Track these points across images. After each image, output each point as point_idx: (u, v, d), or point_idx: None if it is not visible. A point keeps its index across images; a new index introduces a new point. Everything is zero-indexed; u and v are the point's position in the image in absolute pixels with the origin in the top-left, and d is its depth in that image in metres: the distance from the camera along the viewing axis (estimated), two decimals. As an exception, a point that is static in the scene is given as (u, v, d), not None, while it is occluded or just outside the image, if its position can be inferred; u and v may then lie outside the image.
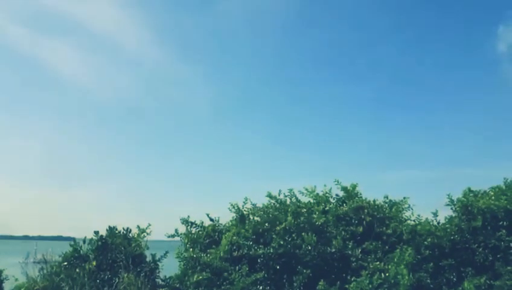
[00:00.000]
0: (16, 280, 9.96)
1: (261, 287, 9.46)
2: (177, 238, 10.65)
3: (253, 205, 10.83)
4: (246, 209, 10.73)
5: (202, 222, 10.78)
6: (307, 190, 10.78)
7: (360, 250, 9.60)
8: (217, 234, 10.57)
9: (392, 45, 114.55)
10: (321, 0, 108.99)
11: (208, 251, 10.06)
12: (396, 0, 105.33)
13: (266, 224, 10.13)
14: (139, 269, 9.74)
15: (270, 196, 10.79)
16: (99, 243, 9.95)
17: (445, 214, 10.31)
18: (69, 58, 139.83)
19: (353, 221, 10.16)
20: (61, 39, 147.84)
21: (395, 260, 9.15)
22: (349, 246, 9.62)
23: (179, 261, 10.21)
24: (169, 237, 10.74)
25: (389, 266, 9.09)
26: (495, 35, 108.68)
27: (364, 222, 9.99)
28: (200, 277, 9.45)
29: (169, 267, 10.41)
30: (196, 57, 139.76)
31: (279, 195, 10.74)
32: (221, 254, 9.79)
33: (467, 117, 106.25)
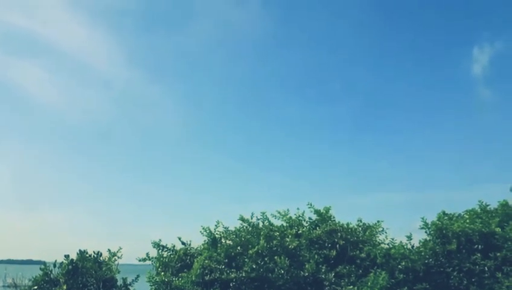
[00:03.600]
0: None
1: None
2: (148, 262, 11.10)
3: (225, 228, 11.31)
4: (218, 233, 11.21)
5: (174, 246, 11.25)
6: (279, 213, 11.25)
7: (333, 274, 10.00)
8: (188, 257, 10.99)
9: (366, 66, 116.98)
10: (295, 21, 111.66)
11: (180, 274, 10.47)
12: (370, 22, 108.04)
13: (238, 248, 10.56)
14: (110, 293, 10.35)
15: (242, 219, 11.31)
16: (70, 266, 10.36)
17: (419, 237, 10.68)
18: (38, 80, 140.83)
19: (326, 245, 10.61)
20: (30, 60, 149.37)
21: (369, 284, 9.50)
22: (323, 270, 10.02)
23: (151, 286, 10.65)
24: (140, 260, 11.19)
25: (363, 290, 9.46)
26: (470, 57, 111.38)
27: (337, 246, 10.47)
28: (172, 301, 9.86)
29: (141, 292, 10.97)
30: (167, 78, 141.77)
31: (251, 218, 11.27)
32: (193, 278, 10.15)
33: (442, 139, 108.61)
